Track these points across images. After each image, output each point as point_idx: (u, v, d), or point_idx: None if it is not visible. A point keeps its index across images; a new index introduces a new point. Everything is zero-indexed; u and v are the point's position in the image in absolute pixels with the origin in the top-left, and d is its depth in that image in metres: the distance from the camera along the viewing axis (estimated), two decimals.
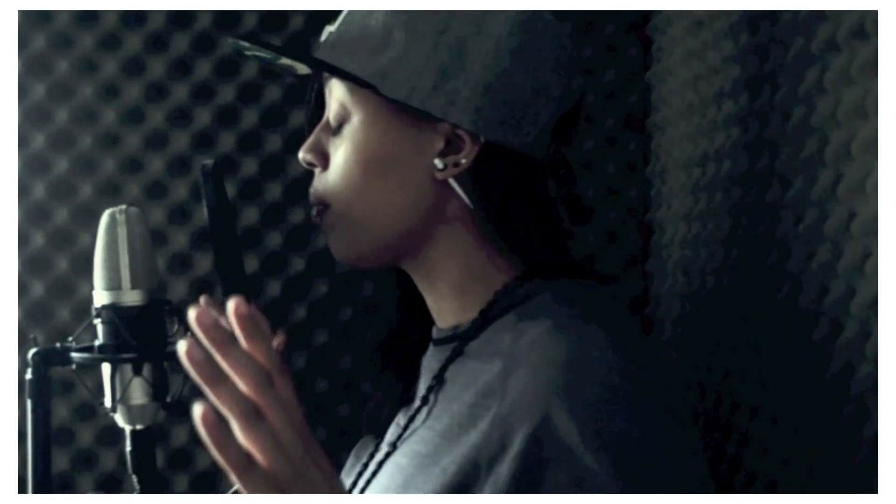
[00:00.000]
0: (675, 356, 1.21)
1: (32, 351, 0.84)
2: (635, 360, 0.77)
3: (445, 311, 0.89)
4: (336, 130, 0.88)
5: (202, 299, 0.62)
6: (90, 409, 1.28)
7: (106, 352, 0.84)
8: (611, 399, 0.73)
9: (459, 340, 0.86)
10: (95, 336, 0.84)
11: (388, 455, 0.87)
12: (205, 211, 0.79)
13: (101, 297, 0.84)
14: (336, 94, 0.88)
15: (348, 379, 1.35)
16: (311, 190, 0.90)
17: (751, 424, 1.00)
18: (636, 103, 1.38)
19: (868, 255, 0.80)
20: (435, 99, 0.83)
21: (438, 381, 0.86)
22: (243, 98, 1.32)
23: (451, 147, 0.84)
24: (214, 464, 0.58)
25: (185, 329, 0.86)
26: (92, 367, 0.85)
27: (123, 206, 0.86)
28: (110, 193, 1.29)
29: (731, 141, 1.08)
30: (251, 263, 1.32)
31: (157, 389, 0.85)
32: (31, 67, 1.28)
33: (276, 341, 0.77)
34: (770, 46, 0.99)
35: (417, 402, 0.87)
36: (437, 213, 0.86)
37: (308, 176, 0.90)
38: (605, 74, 1.37)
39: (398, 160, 0.85)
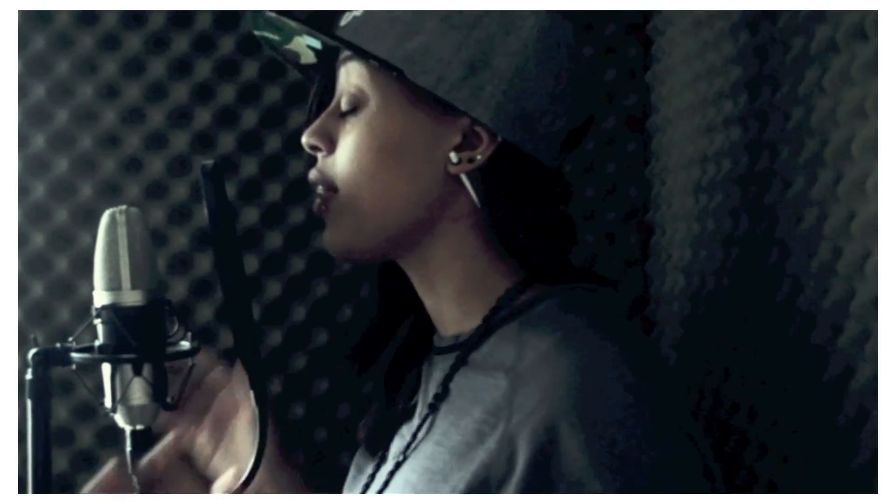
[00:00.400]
0: (675, 356, 1.21)
1: (32, 351, 0.84)
2: (646, 373, 0.76)
3: (446, 318, 0.88)
4: (348, 114, 0.86)
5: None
6: (90, 409, 1.28)
7: (106, 352, 0.84)
8: (623, 420, 0.72)
9: (462, 349, 0.85)
10: (95, 336, 0.84)
11: (396, 467, 0.86)
12: (205, 211, 0.79)
13: (101, 298, 0.84)
14: (353, 77, 0.86)
15: (348, 379, 1.34)
16: (314, 175, 0.88)
17: (751, 425, 0.99)
18: (636, 103, 1.38)
19: (868, 255, 0.80)
20: (461, 91, 0.83)
21: (444, 391, 0.85)
22: (243, 98, 1.32)
23: (467, 142, 0.84)
24: None
25: (186, 329, 0.86)
26: (92, 368, 0.85)
27: (123, 207, 0.86)
28: (110, 193, 1.29)
29: (731, 141, 1.08)
30: (251, 263, 1.32)
31: (157, 389, 0.84)
32: (31, 67, 1.27)
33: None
34: (770, 47, 0.99)
35: (424, 412, 0.86)
36: (444, 209, 0.85)
37: (308, 175, 0.90)
38: (605, 74, 1.38)
39: (414, 149, 0.85)
